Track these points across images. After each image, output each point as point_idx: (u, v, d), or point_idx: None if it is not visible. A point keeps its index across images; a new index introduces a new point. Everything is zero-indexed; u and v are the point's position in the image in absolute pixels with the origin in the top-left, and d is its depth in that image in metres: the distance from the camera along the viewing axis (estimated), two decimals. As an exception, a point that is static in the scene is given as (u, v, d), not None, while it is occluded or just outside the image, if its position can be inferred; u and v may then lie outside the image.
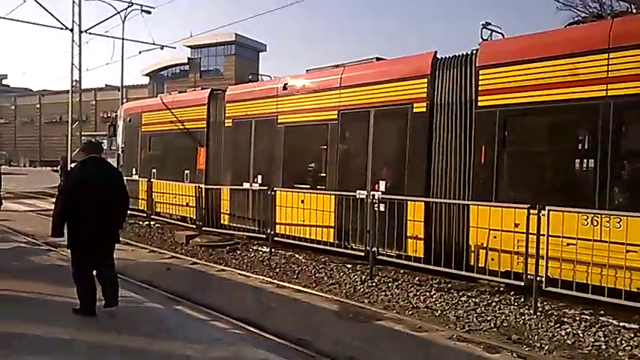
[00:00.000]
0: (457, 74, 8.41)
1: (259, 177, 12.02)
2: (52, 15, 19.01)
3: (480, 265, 7.57)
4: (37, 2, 18.34)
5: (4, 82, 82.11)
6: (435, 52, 8.91)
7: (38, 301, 6.25)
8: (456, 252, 7.67)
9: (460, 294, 7.33)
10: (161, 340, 5.00)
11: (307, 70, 11.70)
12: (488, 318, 6.36)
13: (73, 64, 19.31)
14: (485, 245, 7.54)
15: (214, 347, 4.88)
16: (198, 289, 7.75)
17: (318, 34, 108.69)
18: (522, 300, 6.92)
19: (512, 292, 7.18)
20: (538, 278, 6.50)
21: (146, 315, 5.94)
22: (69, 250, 5.85)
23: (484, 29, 8.82)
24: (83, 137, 22.89)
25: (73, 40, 19.18)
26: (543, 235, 6.47)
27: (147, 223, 14.22)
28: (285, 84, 11.48)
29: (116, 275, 5.98)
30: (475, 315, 6.48)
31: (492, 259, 7.45)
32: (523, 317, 6.34)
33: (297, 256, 9.97)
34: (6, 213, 15.80)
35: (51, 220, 5.70)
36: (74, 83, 19.87)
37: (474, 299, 7.11)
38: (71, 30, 19.17)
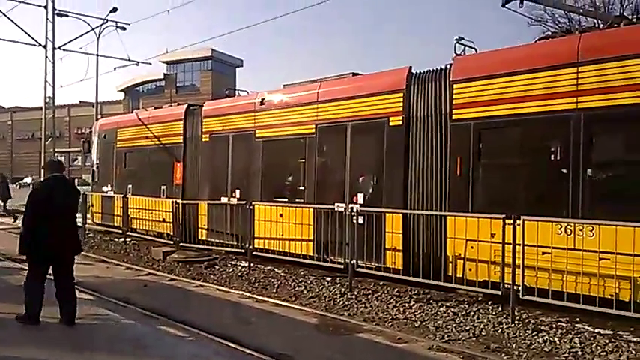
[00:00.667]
0: (432, 88, 8.56)
1: (237, 191, 11.97)
2: (25, 32, 18.79)
3: (458, 276, 7.65)
4: (8, 19, 18.12)
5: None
6: (410, 67, 9.07)
7: (11, 321, 6.06)
8: (434, 263, 7.73)
9: (439, 304, 7.38)
10: (138, 358, 4.91)
11: (284, 85, 11.78)
12: (467, 327, 6.41)
13: (46, 80, 19.06)
14: (462, 255, 7.63)
15: (192, 363, 4.81)
16: (176, 305, 7.64)
17: (294, 49, 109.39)
18: (500, 309, 7.00)
19: (490, 302, 7.26)
20: (515, 287, 6.60)
21: (123, 333, 5.82)
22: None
23: (457, 44, 9.03)
24: (57, 153, 22.52)
25: (46, 57, 18.94)
26: (519, 244, 6.58)
27: (123, 239, 13.98)
28: (263, 99, 11.52)
29: (75, 290, 6.17)
30: (454, 325, 6.53)
31: (470, 269, 7.54)
32: (501, 326, 6.40)
33: (276, 270, 9.92)
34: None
35: (19, 236, 5.89)
36: (47, 100, 19.57)
37: (452, 309, 7.16)
38: (44, 47, 18.93)
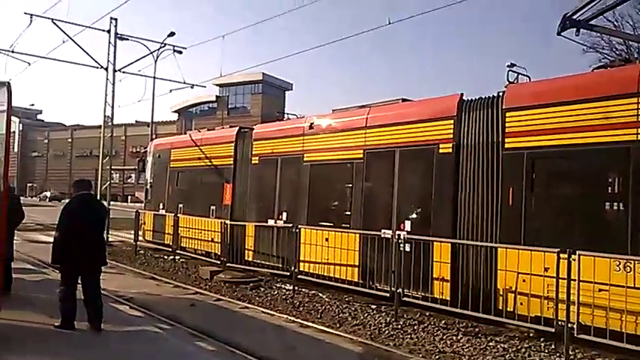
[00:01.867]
0: (483, 116, 8.45)
1: (284, 214, 12.09)
2: (89, 55, 19.79)
3: (508, 310, 7.40)
4: (75, 43, 19.16)
5: (39, 117, 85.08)
6: (462, 94, 9.00)
7: (65, 335, 6.30)
8: (483, 295, 7.53)
9: (488, 339, 7.15)
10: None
11: (333, 110, 11.90)
12: (518, 365, 6.18)
13: (106, 101, 19.87)
14: (513, 289, 7.39)
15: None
16: (222, 326, 7.73)
17: (344, 74, 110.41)
18: (553, 347, 6.71)
19: (542, 339, 6.97)
20: (569, 325, 6.32)
21: (171, 351, 5.94)
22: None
23: (510, 71, 8.90)
24: (112, 171, 23.43)
25: (107, 79, 19.82)
26: (574, 280, 6.33)
27: (172, 257, 14.33)
28: (312, 123, 11.67)
29: (101, 298, 6.68)
30: (504, 361, 6.31)
31: (521, 304, 7.28)
32: (554, 365, 6.14)
33: (320, 294, 9.90)
34: (33, 245, 16.19)
35: (51, 247, 6.48)
36: (106, 119, 20.43)
37: (502, 345, 6.92)
38: (106, 69, 19.84)
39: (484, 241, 8.11)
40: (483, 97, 8.73)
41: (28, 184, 71.83)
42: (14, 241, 8.58)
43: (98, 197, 19.69)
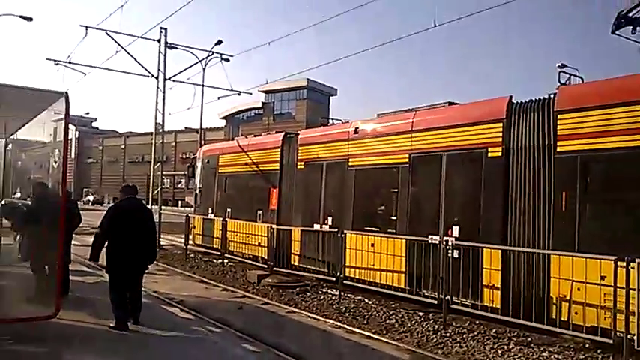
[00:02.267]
0: (534, 119, 8.22)
1: (329, 219, 12.13)
2: (140, 64, 20.53)
3: (562, 319, 7.15)
4: (127, 53, 19.91)
5: (94, 124, 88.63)
6: (511, 96, 8.79)
7: (119, 335, 6.54)
8: (536, 303, 7.31)
9: (541, 349, 6.92)
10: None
11: (378, 115, 11.86)
12: (573, 377, 5.96)
13: (157, 108, 20.55)
14: (568, 297, 7.14)
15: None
16: (269, 329, 7.81)
17: (388, 79, 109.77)
18: (611, 359, 6.43)
19: (599, 350, 6.68)
20: (628, 336, 6.05)
21: (220, 354, 6.06)
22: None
23: (561, 72, 8.63)
24: (163, 176, 24.13)
25: (157, 87, 20.49)
26: (633, 289, 6.05)
27: (220, 261, 14.61)
28: (357, 128, 11.67)
29: (141, 298, 7.20)
30: (558, 373, 6.10)
31: (576, 313, 7.02)
32: (612, 378, 5.88)
33: (366, 300, 9.85)
34: (89, 248, 16.84)
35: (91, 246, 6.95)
36: (157, 126, 21.09)
37: (556, 355, 6.69)
38: (156, 77, 20.51)
39: (536, 248, 7.88)
40: (534, 99, 8.50)
41: (84, 190, 74.83)
42: (72, 245, 8.97)
43: (150, 202, 20.45)
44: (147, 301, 8.85)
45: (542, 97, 8.38)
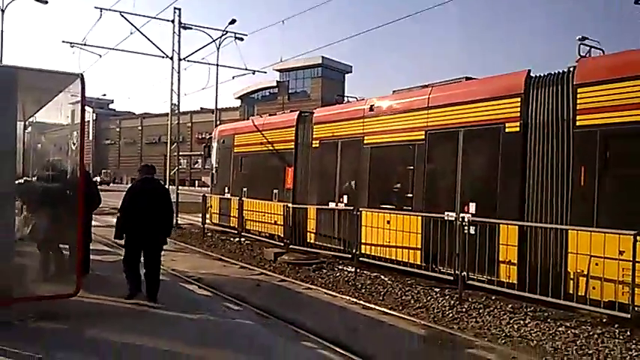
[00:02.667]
0: (553, 93, 8.06)
1: (345, 197, 12.15)
2: (155, 45, 20.54)
3: (579, 294, 7.11)
4: (141, 34, 19.92)
5: (111, 106, 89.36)
6: (529, 70, 8.62)
7: (139, 312, 6.69)
8: (553, 279, 7.28)
9: (558, 324, 6.90)
10: (253, 356, 5.16)
11: (394, 91, 11.74)
12: (590, 351, 5.94)
13: (172, 89, 20.59)
14: (585, 273, 7.08)
15: (304, 366, 4.96)
16: (287, 306, 7.91)
17: (403, 55, 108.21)
18: (628, 334, 6.38)
19: (616, 325, 6.64)
20: (647, 311, 6.00)
21: (238, 330, 6.16)
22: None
23: (581, 45, 8.43)
24: (180, 157, 24.31)
25: (172, 68, 20.50)
26: (653, 264, 5.98)
27: (237, 239, 14.77)
28: (372, 105, 11.58)
29: (159, 273, 7.31)
30: (575, 347, 6.08)
31: (594, 288, 6.97)
32: (630, 353, 5.85)
33: (382, 277, 9.89)
34: (110, 229, 17.12)
35: (115, 225, 7.37)
36: (173, 107, 21.16)
37: (573, 330, 6.67)
38: (171, 58, 20.50)
39: (554, 223, 7.80)
40: (552, 72, 8.32)
41: (103, 171, 75.87)
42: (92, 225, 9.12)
43: (167, 182, 20.67)
44: (166, 279, 9.01)
45: (561, 71, 8.21)
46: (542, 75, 8.45)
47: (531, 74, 8.57)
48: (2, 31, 21.76)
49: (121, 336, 5.58)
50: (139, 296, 7.07)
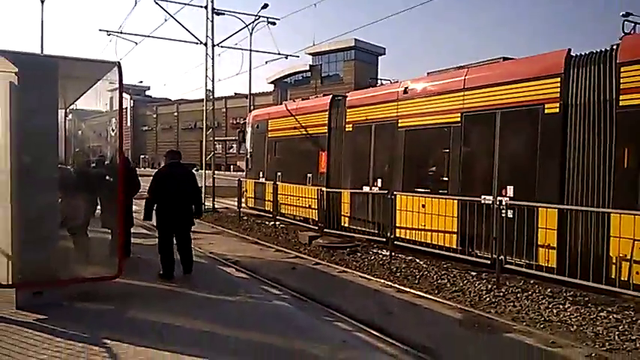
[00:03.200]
0: (594, 72, 7.78)
1: (379, 180, 12.10)
2: (189, 31, 20.74)
3: (622, 279, 6.91)
4: (175, 20, 20.12)
5: (147, 93, 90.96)
6: (569, 49, 8.32)
7: (179, 294, 6.87)
8: (594, 263, 7.10)
9: (599, 309, 6.75)
10: (289, 339, 5.24)
11: (428, 73, 11.55)
12: (633, 337, 5.80)
13: (206, 75, 20.74)
14: (628, 257, 6.87)
15: (340, 349, 5.01)
16: (321, 289, 7.99)
17: (438, 37, 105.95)
18: (675, 320, 6.20)
19: (661, 311, 6.46)
20: (695, 297, 5.80)
21: (275, 312, 6.26)
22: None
23: (625, 21, 8.08)
24: (216, 142, 24.62)
25: (206, 54, 20.64)
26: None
27: (272, 223, 14.93)
28: (406, 87, 11.42)
29: (191, 250, 7.91)
30: (617, 333, 5.94)
31: (637, 273, 6.77)
32: (675, 339, 5.68)
33: (417, 260, 9.85)
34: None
35: (144, 207, 7.81)
36: (208, 93, 21.36)
37: (615, 315, 6.51)
38: (205, 44, 20.65)
39: (595, 206, 7.59)
40: (594, 51, 8.02)
41: (141, 156, 77.56)
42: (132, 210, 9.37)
43: (203, 167, 21.01)
44: (204, 262, 9.26)
45: (603, 49, 7.90)
46: (583, 54, 8.16)
47: (572, 53, 8.28)
48: (43, 21, 22.36)
49: (161, 316, 5.76)
50: (174, 278, 7.54)
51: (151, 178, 7.86)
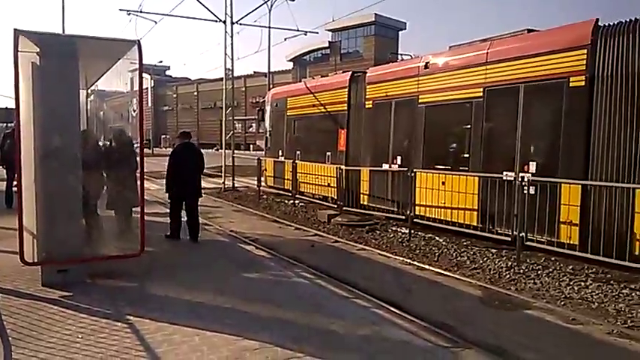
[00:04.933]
0: (623, 43, 7.52)
1: (399, 158, 12.00)
2: (208, 9, 20.65)
3: (646, 256, 6.79)
4: (195, -1, 20.04)
5: (167, 72, 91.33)
6: (597, 19, 8.05)
7: (201, 271, 6.97)
8: (617, 240, 6.96)
9: (621, 286, 6.66)
10: (308, 315, 5.29)
11: (450, 47, 11.31)
12: (657, 315, 5.71)
13: (225, 53, 20.65)
14: (654, 234, 6.73)
15: (359, 325, 5.04)
16: (341, 266, 8.02)
17: (461, 9, 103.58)
18: (700, 297, 6.08)
19: (687, 288, 6.34)
20: None
21: (295, 289, 6.31)
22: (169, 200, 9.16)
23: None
24: (235, 121, 24.66)
25: (225, 32, 20.55)
26: None
27: (292, 202, 14.99)
28: (427, 62, 11.23)
29: (198, 218, 9.07)
30: (640, 310, 5.86)
31: (663, 250, 6.64)
32: (701, 317, 5.58)
33: (437, 238, 9.82)
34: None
35: (165, 182, 9.12)
36: (227, 72, 21.33)
37: (638, 292, 6.42)
38: (224, 22, 20.54)
39: (620, 182, 7.41)
40: (623, 21, 7.74)
41: (162, 136, 78.26)
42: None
43: (223, 146, 21.12)
44: (225, 240, 9.39)
45: (633, 19, 7.61)
46: (611, 24, 7.88)
47: (599, 24, 8.01)
48: (64, 1, 22.47)
49: (182, 293, 5.86)
50: (180, 239, 8.72)
51: (168, 157, 9.03)
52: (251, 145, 60.77)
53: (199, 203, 9.25)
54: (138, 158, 8.12)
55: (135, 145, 8.52)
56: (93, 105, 10.07)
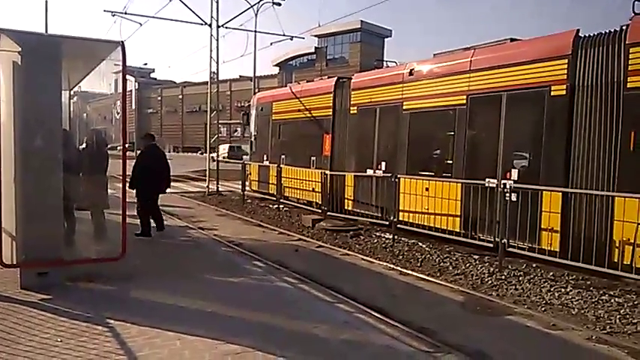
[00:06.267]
0: (603, 53, 7.67)
1: (383, 164, 12.06)
2: (194, 12, 20.58)
3: (625, 263, 6.90)
4: (180, 1, 19.95)
5: (152, 75, 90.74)
6: (578, 30, 8.20)
7: (182, 275, 6.92)
8: (597, 247, 7.07)
9: (600, 292, 6.76)
10: (291, 319, 5.28)
11: (435, 55, 11.43)
12: (635, 320, 5.80)
13: (211, 57, 20.61)
14: (632, 241, 6.85)
15: (341, 329, 5.04)
16: (325, 271, 8.01)
17: (445, 18, 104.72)
18: (677, 304, 6.20)
19: (664, 295, 6.46)
20: (698, 281, 5.78)
21: (277, 293, 6.30)
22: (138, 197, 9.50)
23: (636, 1, 7.92)
24: (220, 125, 24.57)
25: (211, 35, 20.50)
26: None
27: (276, 206, 14.96)
28: (412, 69, 11.33)
29: (160, 212, 10.02)
30: (618, 316, 5.95)
31: (640, 257, 6.76)
32: (677, 323, 5.68)
33: (420, 244, 9.87)
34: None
35: (130, 179, 9.07)
36: (212, 75, 21.27)
37: (617, 299, 6.52)
38: (209, 25, 20.50)
39: (600, 190, 7.54)
40: (603, 32, 7.90)
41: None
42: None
43: (207, 150, 21.01)
44: (208, 244, 9.32)
45: (612, 30, 7.78)
46: (591, 35, 8.04)
47: (580, 34, 8.16)
48: (47, 0, 22.20)
49: (164, 297, 5.80)
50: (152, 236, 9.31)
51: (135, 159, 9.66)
52: (237, 149, 60.45)
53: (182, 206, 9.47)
54: (110, 160, 8.11)
55: (108, 147, 8.47)
56: (76, 106, 9.96)
